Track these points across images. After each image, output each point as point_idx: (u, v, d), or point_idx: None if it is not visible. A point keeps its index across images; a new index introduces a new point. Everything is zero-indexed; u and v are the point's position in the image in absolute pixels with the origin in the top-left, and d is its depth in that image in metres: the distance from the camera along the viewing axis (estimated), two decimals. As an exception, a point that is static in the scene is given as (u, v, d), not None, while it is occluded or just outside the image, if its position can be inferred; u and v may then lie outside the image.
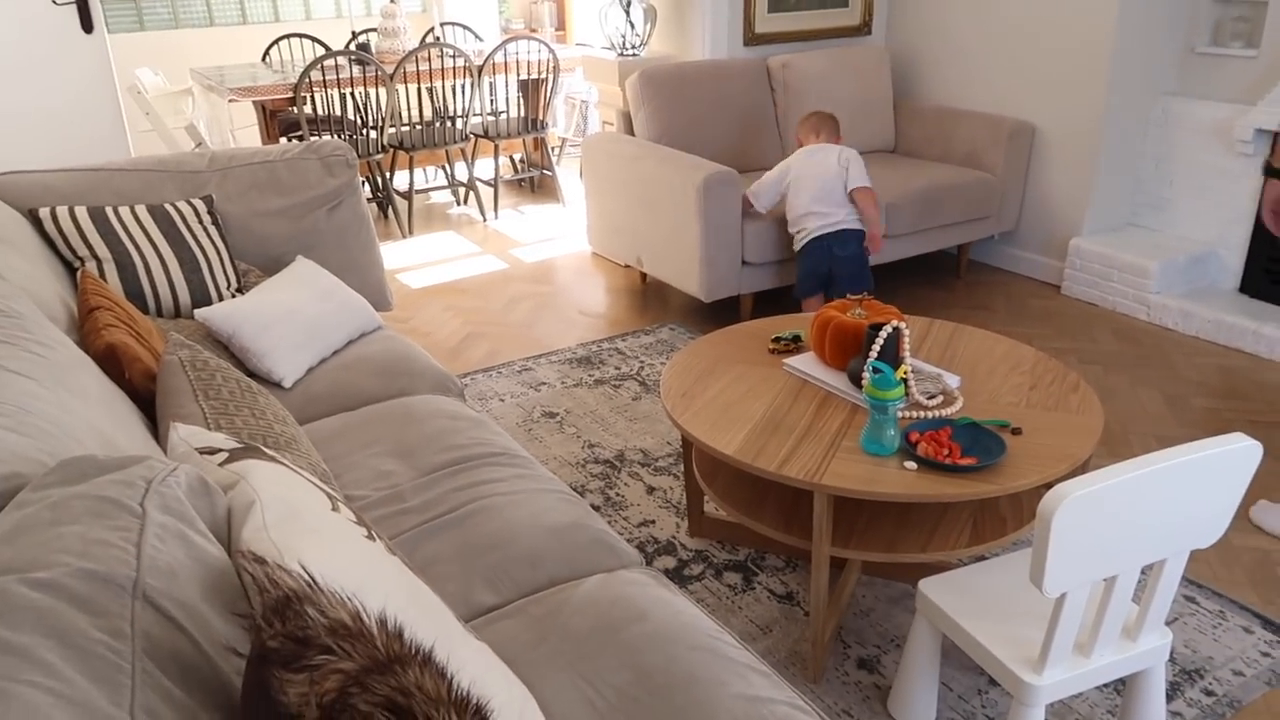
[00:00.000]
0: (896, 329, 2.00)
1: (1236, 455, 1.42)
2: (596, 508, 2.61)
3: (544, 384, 3.37)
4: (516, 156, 6.29)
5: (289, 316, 2.27)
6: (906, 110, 4.58)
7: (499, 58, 5.15)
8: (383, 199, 5.46)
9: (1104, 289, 3.97)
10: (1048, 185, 4.20)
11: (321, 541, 1.03)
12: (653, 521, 2.55)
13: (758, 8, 4.49)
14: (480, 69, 5.10)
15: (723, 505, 2.13)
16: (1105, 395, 3.26)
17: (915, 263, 4.42)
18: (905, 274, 4.31)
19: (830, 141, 3.50)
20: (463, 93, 5.26)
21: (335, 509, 1.17)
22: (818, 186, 3.42)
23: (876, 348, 1.97)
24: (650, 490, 2.70)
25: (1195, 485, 1.42)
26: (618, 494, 2.68)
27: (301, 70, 4.61)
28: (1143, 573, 1.51)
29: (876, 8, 4.79)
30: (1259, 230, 3.71)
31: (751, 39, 4.53)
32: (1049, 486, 1.85)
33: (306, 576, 0.87)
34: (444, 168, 5.81)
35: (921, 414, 2.01)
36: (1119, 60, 3.82)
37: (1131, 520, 1.40)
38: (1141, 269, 3.81)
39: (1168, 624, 2.14)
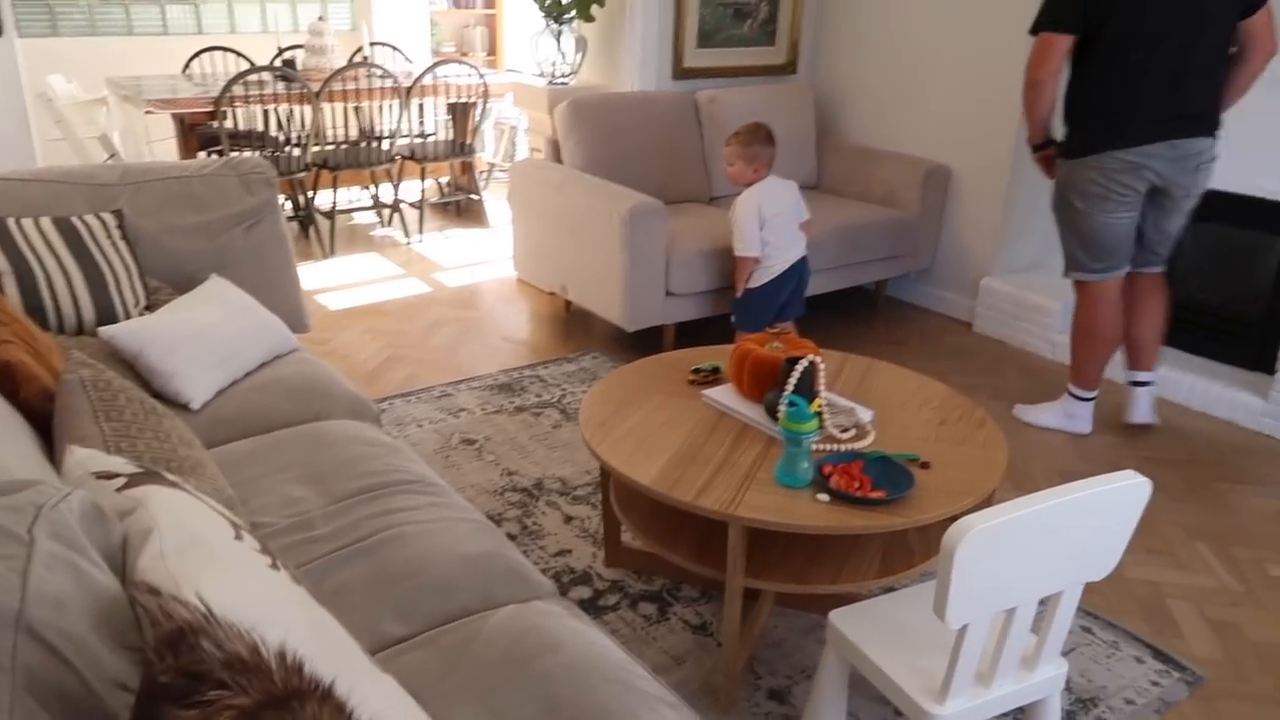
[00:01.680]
0: (812, 363, 2.05)
1: (1128, 492, 1.48)
2: (513, 537, 2.59)
3: (464, 410, 3.34)
4: (443, 180, 6.25)
5: (199, 336, 2.21)
6: (829, 148, 4.71)
7: (428, 80, 5.13)
8: (304, 218, 5.37)
9: (1012, 327, 4.12)
10: (961, 226, 4.35)
11: (221, 571, 1.00)
12: (569, 551, 2.54)
13: (686, 42, 4.57)
14: (409, 90, 5.08)
15: (639, 535, 2.13)
16: (1011, 431, 3.37)
17: (834, 298, 4.52)
18: (824, 309, 4.40)
19: (768, 169, 3.43)
20: (390, 113, 5.22)
21: (239, 537, 1.14)
22: (785, 222, 3.44)
23: (792, 381, 2.00)
24: (568, 519, 2.69)
25: (1090, 520, 1.47)
26: (535, 523, 2.67)
27: (224, 84, 4.52)
28: (1040, 604, 1.56)
29: (802, 48, 4.91)
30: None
31: (680, 73, 4.60)
32: (955, 519, 1.90)
33: (203, 608, 0.85)
34: (369, 188, 5.75)
35: (835, 447, 2.05)
36: (1029, 109, 3.98)
37: (1030, 553, 1.45)
38: (1046, 309, 3.96)
39: (1064, 654, 2.21)
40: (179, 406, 2.16)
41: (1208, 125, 2.96)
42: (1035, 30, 2.97)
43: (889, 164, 4.41)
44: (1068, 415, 3.37)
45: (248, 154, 4.60)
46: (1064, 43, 2.92)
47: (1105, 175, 2.97)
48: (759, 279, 3.48)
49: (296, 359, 2.45)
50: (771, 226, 3.40)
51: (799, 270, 3.52)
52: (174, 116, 4.78)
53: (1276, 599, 2.47)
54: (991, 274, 4.24)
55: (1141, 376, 3.34)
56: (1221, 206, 3.61)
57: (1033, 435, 3.34)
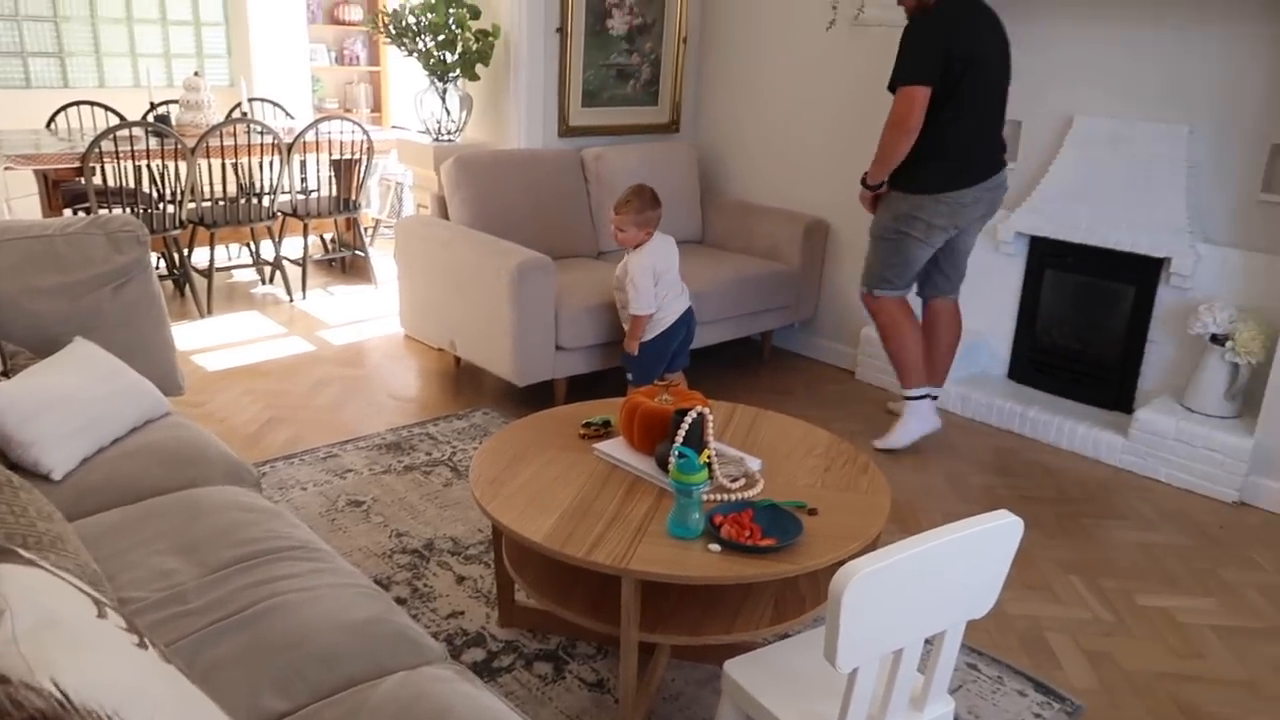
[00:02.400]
0: (701, 414, 2.07)
1: (1002, 530, 1.54)
2: (402, 601, 2.52)
3: (350, 471, 3.24)
4: (327, 236, 6.13)
5: (61, 402, 2.09)
6: (713, 205, 4.83)
7: (311, 136, 5.05)
8: (179, 276, 5.17)
9: (892, 374, 4.25)
10: (841, 278, 4.51)
11: (81, 653, 0.94)
12: (462, 612, 2.48)
13: (572, 101, 4.65)
14: (290, 147, 4.99)
15: (533, 593, 2.10)
16: (895, 475, 3.48)
17: (723, 349, 4.61)
18: (713, 360, 4.48)
19: (656, 228, 3.50)
20: (271, 170, 5.11)
21: (102, 615, 1.08)
22: (674, 277, 3.53)
23: (682, 433, 2.02)
24: (460, 580, 2.63)
25: (969, 559, 1.53)
26: (426, 585, 2.59)
27: (91, 139, 4.35)
28: (927, 644, 1.60)
29: (684, 108, 5.06)
30: (1022, 322, 4.11)
31: (566, 131, 4.67)
32: (843, 564, 1.94)
33: (59, 695, 0.79)
34: (249, 245, 5.59)
35: (725, 497, 2.07)
36: (899, 167, 4.19)
37: (915, 594, 1.49)
38: (925, 356, 4.12)
39: (951, 692, 2.26)
40: (39, 477, 2.03)
41: (1005, 156, 3.47)
42: (900, 85, 3.21)
43: (771, 219, 4.55)
44: (919, 419, 3.64)
45: (117, 211, 4.43)
46: (927, 94, 3.20)
47: (950, 209, 3.35)
48: (651, 332, 3.53)
49: (170, 423, 2.34)
50: (663, 283, 3.48)
51: (687, 321, 3.59)
52: (36, 173, 4.56)
53: (1144, 627, 2.60)
54: (869, 324, 4.39)
55: (935, 392, 3.73)
56: (1078, 258, 3.85)
57: (915, 479, 3.45)
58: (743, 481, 2.15)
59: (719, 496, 2.07)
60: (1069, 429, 3.75)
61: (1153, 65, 3.61)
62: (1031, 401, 3.92)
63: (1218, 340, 3.38)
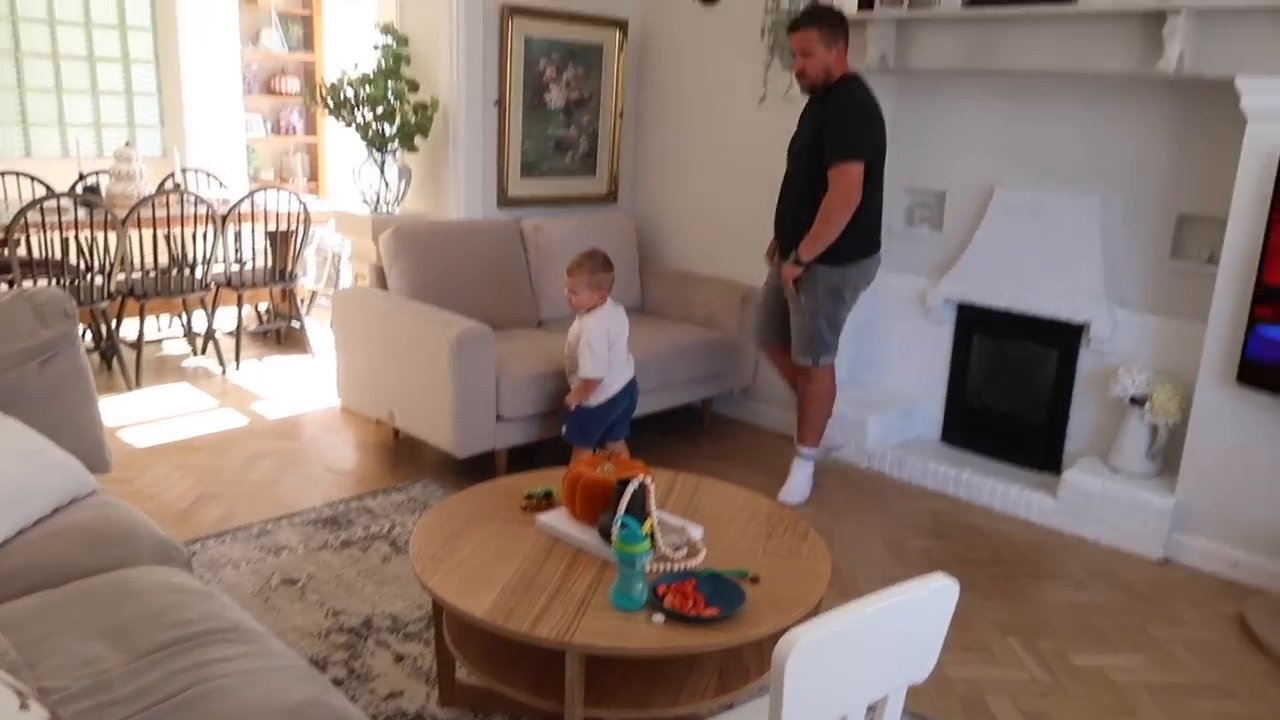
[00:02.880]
0: (643, 484, 2.08)
1: (939, 593, 1.57)
2: (339, 682, 2.44)
3: (284, 548, 3.16)
4: (262, 307, 6.05)
5: (-19, 483, 2.01)
6: (651, 274, 4.90)
7: (246, 207, 5.02)
8: (106, 349, 5.04)
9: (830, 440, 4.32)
10: (778, 344, 4.59)
11: (3, 750, 0.90)
12: (401, 692, 2.42)
13: (510, 173, 4.70)
14: (225, 217, 4.94)
15: (475, 670, 2.06)
16: (835, 540, 3.51)
17: (664, 416, 4.63)
18: (655, 427, 4.49)
19: (609, 292, 3.51)
20: (205, 240, 5.05)
21: (24, 706, 1.04)
22: (624, 345, 3.55)
23: (624, 503, 2.03)
24: (399, 659, 2.56)
25: (908, 623, 1.55)
26: (363, 665, 2.53)
27: (16, 211, 4.26)
28: (869, 710, 1.61)
29: (622, 178, 5.15)
30: (953, 386, 4.23)
31: (505, 201, 4.72)
32: (786, 632, 1.95)
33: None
34: (180, 316, 5.49)
35: (668, 566, 2.07)
36: (831, 237, 4.31)
37: (857, 660, 1.50)
38: (860, 421, 4.20)
39: (899, 758, 2.26)
40: (-47, 562, 1.94)
41: None
42: (840, 162, 3.39)
43: (708, 288, 4.63)
44: (810, 473, 3.88)
45: (43, 284, 4.32)
46: (863, 170, 3.41)
47: (865, 275, 3.66)
48: (597, 398, 3.53)
49: (96, 502, 2.27)
50: (615, 349, 3.49)
51: (630, 390, 3.61)
52: (-43, 244, 4.44)
53: (1080, 687, 2.65)
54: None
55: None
56: (1004, 323, 3.99)
57: (854, 543, 3.49)
58: (685, 550, 2.15)
59: (662, 566, 2.07)
60: (1001, 490, 3.84)
61: (1067, 140, 3.80)
62: (964, 464, 4.01)
63: (1137, 402, 3.52)
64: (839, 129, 3.41)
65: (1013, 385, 4.10)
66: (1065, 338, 3.83)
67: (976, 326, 4.11)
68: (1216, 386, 3.30)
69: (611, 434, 3.62)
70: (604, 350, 3.45)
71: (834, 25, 3.43)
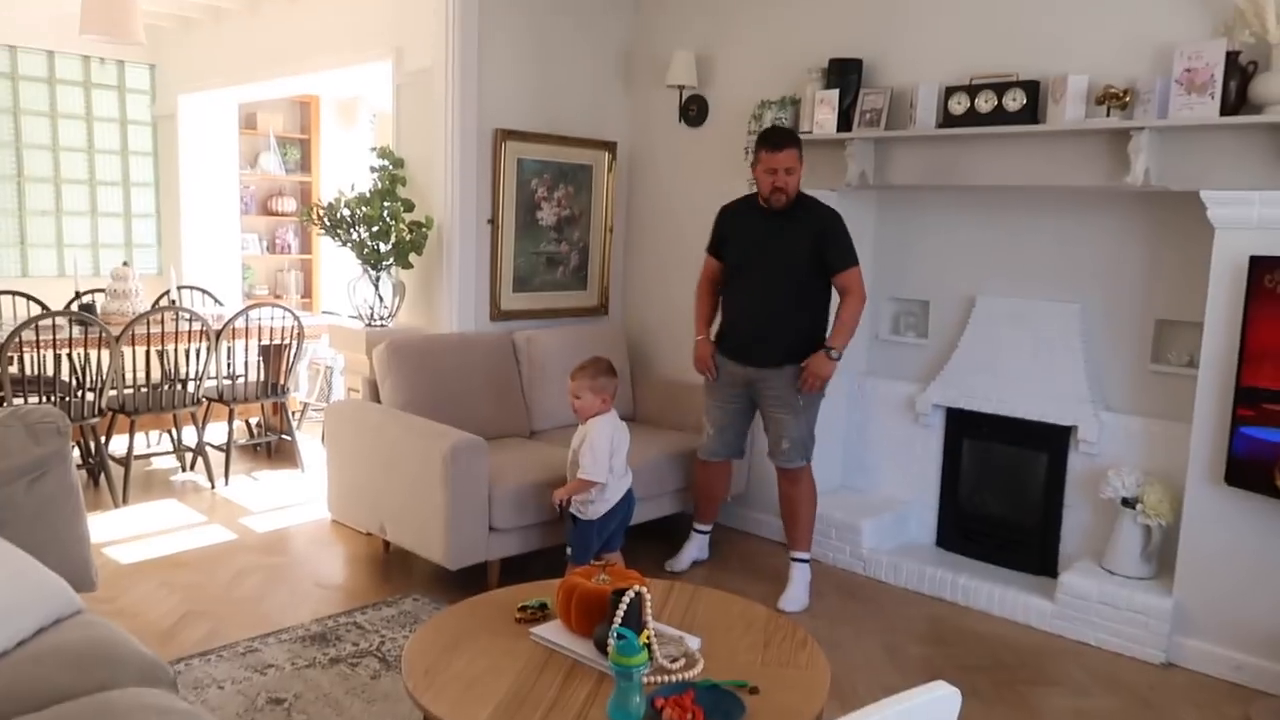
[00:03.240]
0: (639, 594, 2.07)
1: (941, 702, 1.55)
2: (326, 807, 2.36)
3: (271, 666, 3.09)
4: (254, 420, 6.05)
5: (-34, 604, 1.98)
6: (643, 383, 4.95)
7: (240, 323, 5.08)
8: (95, 465, 5.02)
9: (825, 545, 4.29)
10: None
11: None
12: (390, 818, 2.33)
13: (503, 287, 4.80)
14: (219, 333, 5.00)
15: (468, 792, 2.00)
16: (832, 648, 3.44)
17: (658, 525, 4.59)
18: (648, 537, 4.46)
19: (613, 399, 3.52)
20: (198, 356, 5.09)
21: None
22: (624, 455, 3.53)
23: (620, 613, 2.01)
24: (388, 782, 2.48)
25: (910, 733, 1.52)
26: (351, 789, 2.44)
27: (11, 329, 4.30)
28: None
29: (612, 290, 5.25)
30: (945, 491, 4.23)
31: (497, 314, 4.79)
32: (787, 745, 1.91)
33: None
34: (170, 432, 5.48)
35: (666, 678, 2.04)
36: (818, 344, 4.39)
37: (859, 773, 1.47)
38: (854, 527, 4.19)
39: None
40: (-66, 686, 1.90)
41: None
42: (851, 266, 3.69)
43: (699, 396, 4.66)
44: (809, 579, 3.87)
45: (35, 402, 4.33)
46: None
47: None
48: (596, 510, 3.49)
49: (80, 622, 2.23)
50: (616, 457, 3.47)
51: (629, 501, 3.60)
52: (-49, 363, 4.46)
53: (1090, 799, 2.57)
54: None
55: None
56: (992, 427, 4.03)
57: (853, 650, 3.43)
58: (683, 662, 2.12)
59: (659, 678, 2.04)
60: (999, 595, 3.80)
61: (1044, 250, 3.92)
62: (960, 569, 3.98)
63: (1128, 503, 3.53)
64: (841, 238, 3.68)
65: (1005, 488, 4.10)
66: (1054, 440, 3.86)
67: (966, 430, 4.15)
68: (1206, 487, 3.32)
69: (609, 545, 3.59)
70: (606, 454, 3.42)
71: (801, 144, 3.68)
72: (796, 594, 3.80)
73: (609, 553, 3.61)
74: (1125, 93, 3.35)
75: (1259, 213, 3.15)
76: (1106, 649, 3.50)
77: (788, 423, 3.73)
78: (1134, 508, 3.51)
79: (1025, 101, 3.58)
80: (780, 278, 3.71)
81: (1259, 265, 3.10)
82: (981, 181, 3.82)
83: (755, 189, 3.77)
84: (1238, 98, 3.16)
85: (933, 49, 4.00)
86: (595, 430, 3.44)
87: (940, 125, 3.86)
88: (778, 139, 3.64)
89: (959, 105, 3.75)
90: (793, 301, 3.70)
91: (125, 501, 4.75)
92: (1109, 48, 3.53)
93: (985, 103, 3.67)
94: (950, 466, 4.22)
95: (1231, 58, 3.14)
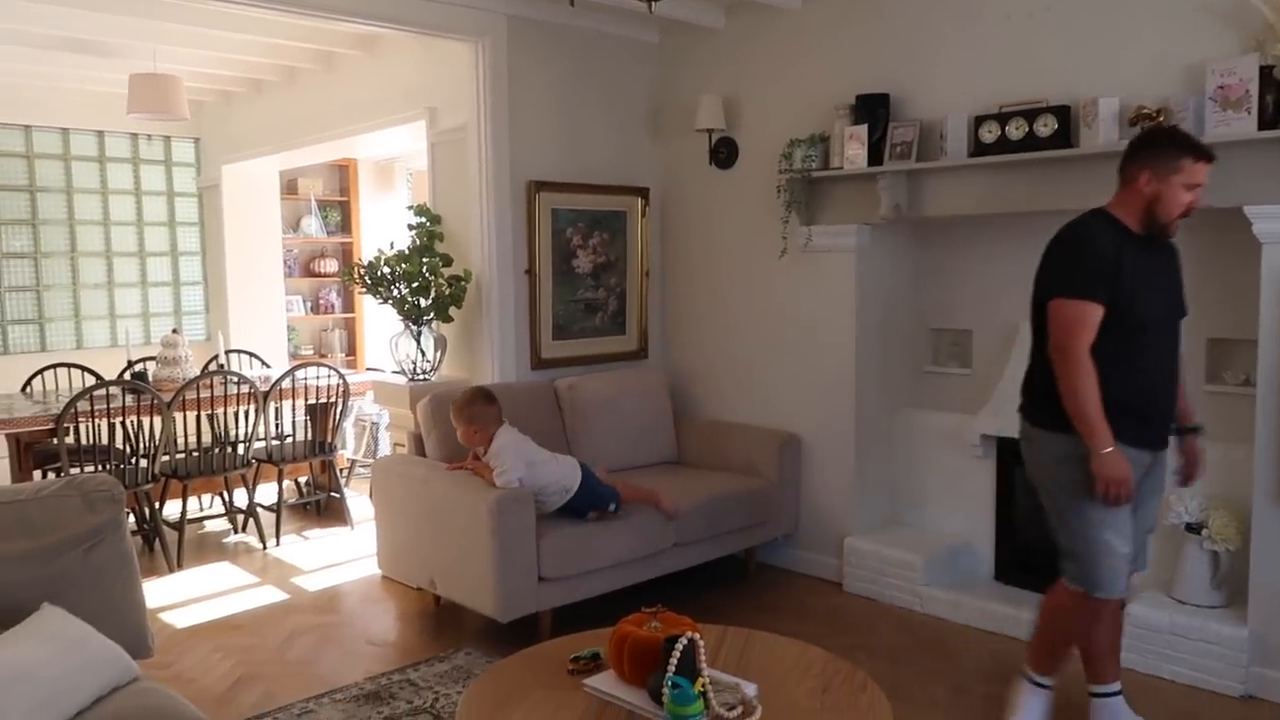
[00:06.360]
0: (692, 640, 2.03)
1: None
2: None
3: (326, 728, 3.08)
4: (303, 479, 6.11)
5: (21, 681, 2.00)
6: (686, 425, 4.92)
7: (287, 383, 5.16)
8: (149, 531, 5.09)
9: (880, 584, 4.21)
10: (818, 489, 4.54)
11: None
12: None
13: (543, 336, 4.82)
14: (266, 395, 5.07)
15: None
16: (894, 690, 3.34)
17: (707, 569, 4.54)
18: (697, 580, 4.40)
19: (496, 422, 3.82)
20: (246, 419, 5.17)
21: None
22: (545, 453, 3.87)
23: (674, 662, 1.98)
24: (447, 842, 2.44)
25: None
26: None
27: (67, 401, 4.41)
28: None
29: (651, 334, 5.26)
30: (1001, 523, 4.13)
31: (538, 363, 4.81)
32: (852, 794, 1.85)
33: None
34: (221, 494, 5.55)
35: (723, 728, 1.99)
36: (861, 380, 4.34)
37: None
38: (909, 563, 4.10)
39: None
40: (-3, 759, 1.91)
41: None
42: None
43: (744, 436, 4.63)
44: (1040, 712, 2.96)
45: (91, 470, 4.41)
46: None
47: None
48: (560, 499, 3.79)
49: (137, 690, 2.24)
50: (544, 463, 3.81)
51: (589, 482, 3.87)
52: (8, 436, 4.58)
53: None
54: (852, 533, 4.38)
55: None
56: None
57: (918, 692, 3.33)
58: (740, 709, 2.07)
59: (717, 728, 1.99)
60: (1063, 629, 3.67)
61: (1085, 272, 3.85)
62: (1021, 602, 3.86)
63: (1193, 529, 3.41)
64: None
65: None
66: (1110, 466, 3.75)
67: (1018, 460, 4.05)
68: (1273, 509, 3.20)
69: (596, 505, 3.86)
70: (513, 457, 3.70)
71: None
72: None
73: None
74: (1159, 112, 3.30)
75: (1306, 225, 3.07)
76: (1181, 682, 3.37)
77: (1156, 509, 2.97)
78: (1199, 533, 3.39)
79: (1057, 126, 3.55)
80: (1179, 332, 2.87)
81: (1313, 277, 3.01)
82: (1018, 208, 3.77)
83: (1101, 213, 2.78)
84: (1275, 112, 3.11)
85: (959, 80, 3.99)
86: (495, 443, 3.75)
87: (972, 154, 3.84)
88: (1206, 147, 2.72)
89: (989, 134, 3.73)
90: (1175, 359, 2.85)
91: (180, 566, 4.81)
92: (1137, 69, 3.50)
93: (1016, 130, 3.64)
94: (1003, 498, 4.12)
95: (1265, 72, 3.09)
